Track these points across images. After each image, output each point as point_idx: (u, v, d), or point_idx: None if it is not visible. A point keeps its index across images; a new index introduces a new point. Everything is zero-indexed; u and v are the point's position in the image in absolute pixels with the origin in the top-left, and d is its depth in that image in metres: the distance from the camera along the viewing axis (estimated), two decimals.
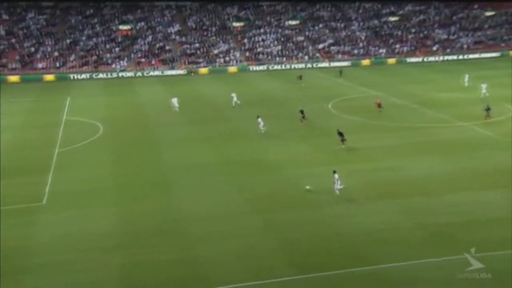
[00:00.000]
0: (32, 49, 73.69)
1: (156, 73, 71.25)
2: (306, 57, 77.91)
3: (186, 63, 74.42)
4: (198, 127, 41.29)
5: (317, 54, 79.17)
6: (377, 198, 25.71)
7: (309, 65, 75.85)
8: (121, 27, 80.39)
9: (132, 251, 21.66)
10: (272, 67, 74.79)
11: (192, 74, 70.94)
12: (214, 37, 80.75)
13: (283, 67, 75.13)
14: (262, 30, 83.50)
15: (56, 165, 32.48)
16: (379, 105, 43.35)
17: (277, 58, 77.35)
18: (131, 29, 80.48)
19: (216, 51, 77.38)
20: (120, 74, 70.23)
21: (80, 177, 30.42)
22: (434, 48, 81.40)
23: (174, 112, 46.00)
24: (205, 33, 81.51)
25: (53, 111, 48.50)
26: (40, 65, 70.70)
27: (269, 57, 77.52)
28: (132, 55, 74.98)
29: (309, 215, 24.18)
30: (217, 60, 75.42)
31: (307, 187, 27.17)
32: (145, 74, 70.99)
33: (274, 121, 41.03)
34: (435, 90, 53.48)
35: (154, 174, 30.70)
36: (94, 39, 77.27)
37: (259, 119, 38.38)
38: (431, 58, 78.40)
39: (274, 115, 43.31)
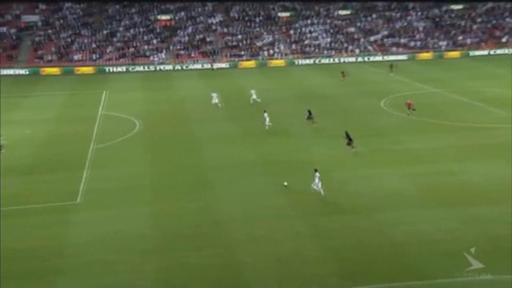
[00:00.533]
0: (69, 40, 76.33)
1: (196, 66, 72.35)
2: (358, 50, 76.90)
3: (228, 55, 75.08)
4: (238, 123, 41.54)
5: (370, 47, 78.09)
6: (434, 205, 25.14)
7: (360, 59, 74.82)
8: (160, 17, 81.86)
9: (169, 255, 21.91)
10: (320, 60, 74.27)
11: (214, 68, 71.30)
12: (258, 28, 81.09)
13: (332, 60, 74.47)
14: (310, 21, 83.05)
15: (91, 162, 33.45)
16: (409, 106, 41.86)
17: (326, 51, 76.77)
18: (171, 19, 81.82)
19: (260, 43, 77.63)
20: (158, 67, 71.62)
21: (116, 175, 31.14)
22: (504, 40, 78.51)
23: (215, 108, 46.57)
24: (249, 24, 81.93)
25: (89, 105, 49.99)
26: (76, 57, 73.11)
27: (317, 50, 77.03)
28: (171, 47, 76.25)
29: (358, 221, 23.85)
30: (261, 53, 75.68)
31: (285, 183, 27.63)
32: (184, 67, 72.22)
33: (320, 118, 40.81)
34: (503, 87, 51.72)
35: (193, 173, 31.11)
36: (132, 30, 79.07)
37: (265, 114, 38.86)
38: (500, 51, 75.73)
39: (320, 112, 43.10)
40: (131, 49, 75.13)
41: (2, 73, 67.47)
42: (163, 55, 74.28)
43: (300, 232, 23.26)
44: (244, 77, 64.28)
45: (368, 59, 74.71)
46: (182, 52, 75.47)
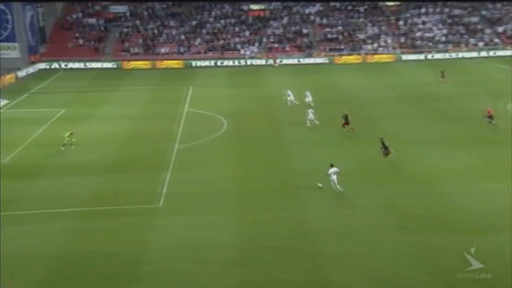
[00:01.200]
0: (156, 31, 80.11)
1: (290, 61, 72.89)
2: (481, 43, 73.35)
3: (326, 49, 74.84)
4: (333, 126, 41.34)
5: (496, 39, 74.15)
6: None
7: (484, 53, 71.34)
8: (253, 7, 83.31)
9: (252, 268, 22.24)
10: (433, 56, 71.80)
11: (275, 64, 71.24)
12: (361, 19, 79.99)
13: (448, 56, 71.69)
14: (422, 10, 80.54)
15: (175, 163, 34.69)
16: (489, 115, 39.42)
17: (440, 45, 74.02)
18: (265, 9, 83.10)
19: (363, 36, 76.56)
20: (249, 62, 73.04)
21: (200, 178, 32.07)
22: None
23: (289, 106, 46.94)
24: (351, 14, 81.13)
25: (174, 102, 51.92)
26: (162, 50, 76.65)
27: (430, 43, 74.48)
28: (264, 40, 77.56)
29: (472, 242, 22.89)
30: (364, 46, 74.60)
31: (319, 184, 28.90)
32: (274, 61, 72.98)
33: (429, 123, 39.49)
34: None
35: (282, 179, 31.37)
36: (222, 21, 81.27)
37: (310, 110, 40.69)
38: None
39: (430, 115, 41.63)
40: (220, 42, 77.35)
41: (87, 67, 72.57)
42: (254, 48, 75.66)
43: (401, 250, 22.72)
44: (343, 74, 63.70)
45: (494, 53, 71.13)
46: (275, 45, 76.38)
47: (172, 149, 37.44)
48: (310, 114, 41.88)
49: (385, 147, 33.19)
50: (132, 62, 73.29)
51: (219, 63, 72.87)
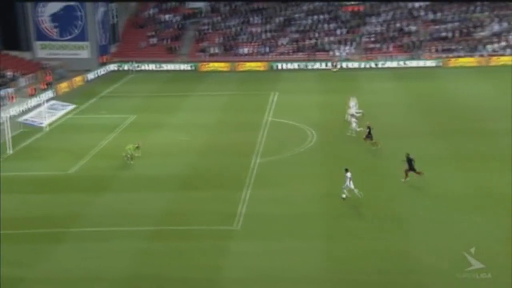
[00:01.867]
0: (236, 29, 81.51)
1: (393, 64, 71.73)
2: None
3: (437, 50, 72.90)
4: (445, 141, 40.29)
5: None
6: None
7: None
8: (349, 1, 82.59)
9: None
10: None
11: (333, 68, 70.42)
12: (481, 14, 77.27)
13: None
14: None
15: (255, 179, 34.90)
16: None
17: None
18: (361, 4, 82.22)
19: (483, 34, 73.92)
20: (342, 65, 72.19)
21: (281, 198, 32.09)
22: None
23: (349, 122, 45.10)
24: (468, 8, 78.64)
25: (255, 109, 52.42)
26: (244, 50, 77.82)
27: None
28: (360, 39, 76.92)
29: None
30: (482, 47, 71.97)
31: (343, 195, 30.79)
32: (374, 65, 72.06)
33: None
34: None
35: (380, 203, 30.83)
36: (312, 18, 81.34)
37: (353, 119, 42.31)
38: None
39: None
40: (310, 41, 77.43)
41: (161, 68, 74.94)
42: (348, 48, 75.11)
43: None
44: (456, 80, 61.85)
45: None
46: (373, 45, 75.49)
47: (250, 164, 37.72)
48: (353, 124, 42.71)
49: (410, 164, 32.88)
50: (209, 64, 74.94)
51: (307, 66, 72.99)
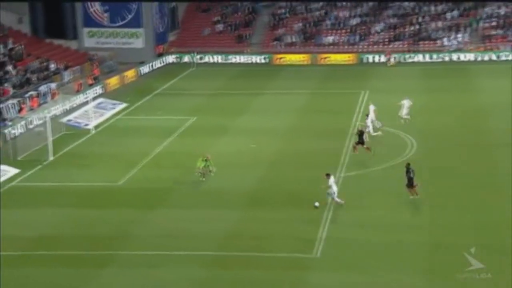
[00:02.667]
0: (320, 14, 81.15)
1: None
2: None
3: None
4: None
5: None
6: None
7: None
8: None
9: None
10: None
11: (390, 62, 69.80)
12: None
13: None
14: None
15: (338, 197, 34.46)
16: None
17: None
18: None
19: None
20: (453, 57, 71.08)
21: (373, 220, 31.85)
22: None
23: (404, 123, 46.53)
24: None
25: (340, 112, 52.14)
26: (328, 39, 77.46)
27: None
28: (477, 24, 74.85)
29: None
30: None
31: (316, 204, 33.22)
32: (496, 57, 70.02)
33: None
34: None
35: (499, 233, 29.98)
36: None
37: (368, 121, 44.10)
38: None
39: None
40: (411, 28, 76.26)
41: (227, 61, 75.71)
42: (460, 36, 73.41)
43: None
44: None
45: None
46: (493, 32, 73.47)
47: (335, 178, 37.48)
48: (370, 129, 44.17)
49: (410, 178, 33.72)
50: (285, 56, 74.99)
51: (406, 58, 72.02)
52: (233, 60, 75.42)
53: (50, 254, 29.70)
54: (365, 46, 75.44)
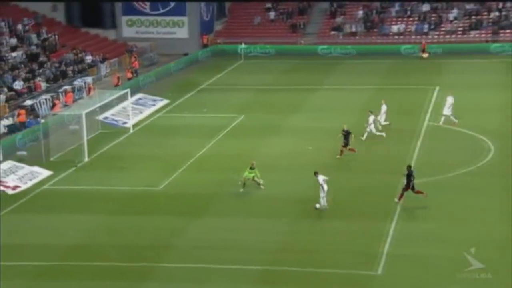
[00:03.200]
0: None
1: None
2: None
3: None
4: None
5: None
6: None
7: None
8: None
9: None
10: None
11: (424, 54, 69.85)
12: None
13: None
14: None
15: (403, 207, 34.58)
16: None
17: None
18: None
19: None
20: None
21: (443, 235, 31.65)
22: None
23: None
24: None
25: (407, 110, 52.12)
26: (394, 28, 76.94)
27: None
28: None
29: None
30: None
31: (317, 205, 34.42)
32: None
33: None
34: None
35: None
36: None
37: (370, 118, 45.11)
38: None
39: None
40: (492, 15, 75.19)
41: (280, 53, 75.71)
42: None
43: None
44: None
45: None
46: None
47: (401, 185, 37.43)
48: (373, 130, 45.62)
49: (408, 181, 34.43)
50: (347, 47, 74.96)
51: (487, 49, 71.14)
52: (286, 52, 75.55)
53: (84, 265, 30.09)
54: (437, 36, 74.71)
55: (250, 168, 37.42)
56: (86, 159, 44.20)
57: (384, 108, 47.86)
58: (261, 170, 38.66)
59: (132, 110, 51.77)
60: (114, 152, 46.32)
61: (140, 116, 52.76)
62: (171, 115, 54.74)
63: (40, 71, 59.69)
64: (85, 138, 44.65)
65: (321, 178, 34.43)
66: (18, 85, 55.44)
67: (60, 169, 42.42)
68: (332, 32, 78.08)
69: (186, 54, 73.02)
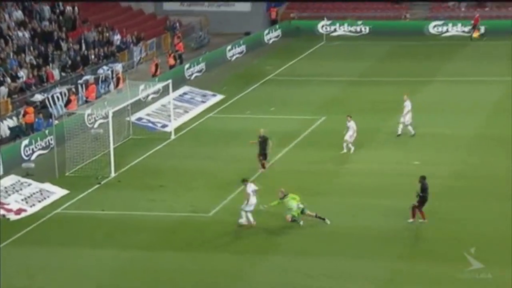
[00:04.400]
0: None
1: None
2: None
3: None
4: None
5: None
6: None
7: None
8: None
9: None
10: None
11: (475, 33, 71.30)
12: None
13: None
14: None
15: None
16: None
17: None
18: None
19: None
20: None
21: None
22: None
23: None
24: None
25: None
26: None
27: None
28: None
29: None
30: None
31: (261, 206, 36.43)
32: None
33: None
34: None
35: None
36: None
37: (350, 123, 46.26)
38: None
39: None
40: None
41: (375, 32, 75.57)
42: None
43: None
44: None
45: None
46: None
47: None
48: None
49: (421, 201, 36.20)
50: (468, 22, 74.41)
51: None
52: (385, 31, 75.17)
53: None
54: None
55: (281, 199, 36.86)
56: (113, 174, 44.61)
57: (408, 106, 48.14)
58: (345, 194, 38.62)
59: (175, 109, 51.92)
60: (149, 165, 46.62)
61: (185, 117, 53.06)
62: (226, 116, 55.24)
63: (54, 55, 60.06)
64: (111, 146, 44.88)
65: (250, 187, 36.88)
66: (24, 74, 55.82)
67: (78, 187, 42.77)
68: (450, 3, 77.58)
69: (247, 34, 73.40)
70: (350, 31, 76.01)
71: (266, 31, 75.31)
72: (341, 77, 62.84)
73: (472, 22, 72.18)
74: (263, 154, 43.97)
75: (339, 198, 39.14)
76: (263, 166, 44.12)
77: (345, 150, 46.46)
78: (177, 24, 72.38)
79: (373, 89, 60.08)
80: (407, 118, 48.44)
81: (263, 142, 43.68)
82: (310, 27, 75.96)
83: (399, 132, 48.60)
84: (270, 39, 75.20)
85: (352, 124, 46.46)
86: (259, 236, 36.65)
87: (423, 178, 36.73)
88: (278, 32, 76.43)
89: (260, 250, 35.28)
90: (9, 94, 52.91)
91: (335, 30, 75.46)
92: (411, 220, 36.88)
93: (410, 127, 48.50)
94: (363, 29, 75.89)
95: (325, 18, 75.25)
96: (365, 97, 57.84)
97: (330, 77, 62.95)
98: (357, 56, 69.00)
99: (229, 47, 69.97)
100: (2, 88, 52.79)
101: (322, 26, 75.00)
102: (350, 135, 46.51)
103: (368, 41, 73.89)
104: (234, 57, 69.83)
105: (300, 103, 56.42)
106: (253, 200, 36.30)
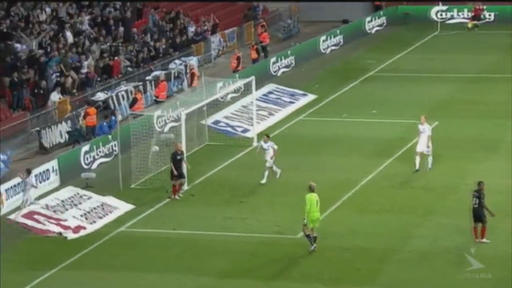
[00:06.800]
0: None
1: None
2: None
3: None
4: None
5: None
6: None
7: None
8: None
9: None
10: None
11: (470, 23, 71.90)
12: None
13: None
14: None
15: None
16: None
17: None
18: None
19: None
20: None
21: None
22: None
23: None
24: None
25: None
26: None
27: None
28: None
29: None
30: None
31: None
32: None
33: None
34: None
35: None
36: None
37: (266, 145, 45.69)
38: None
39: None
40: None
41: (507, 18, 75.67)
42: None
43: None
44: None
45: None
46: None
47: None
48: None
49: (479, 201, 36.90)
50: None
51: None
52: None
53: None
54: None
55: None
56: (186, 187, 45.28)
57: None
58: (458, 214, 39.13)
59: (258, 111, 52.47)
60: (227, 176, 47.45)
61: (270, 121, 53.60)
62: (319, 119, 55.97)
63: (119, 47, 60.96)
64: (184, 154, 45.29)
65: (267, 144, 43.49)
66: (87, 66, 56.51)
67: (145, 201, 43.73)
68: None
69: (345, 22, 73.95)
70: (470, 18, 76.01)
71: (368, 19, 75.77)
72: (458, 73, 63.23)
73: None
74: (178, 173, 43.93)
75: (458, 220, 39.68)
76: (178, 190, 44.19)
77: (417, 167, 46.13)
78: (261, 11, 72.81)
79: (496, 88, 60.38)
80: (422, 146, 46.57)
81: (176, 158, 43.85)
82: (421, 13, 76.28)
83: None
84: (373, 28, 75.70)
85: (426, 128, 46.21)
86: (357, 262, 36.93)
87: (481, 184, 37.67)
88: (383, 19, 76.82)
89: (358, 280, 35.58)
90: (67, 92, 53.55)
91: (452, 17, 75.60)
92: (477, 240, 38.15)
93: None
94: (486, 15, 75.82)
95: (440, 3, 75.40)
96: (486, 98, 58.11)
97: (444, 73, 63.37)
98: (480, 47, 69.07)
99: (323, 38, 70.58)
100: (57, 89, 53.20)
101: (437, 12, 75.19)
102: (425, 143, 46.06)
103: (492, 30, 73.93)
104: (329, 49, 70.42)
105: (407, 105, 57.10)
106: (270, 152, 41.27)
